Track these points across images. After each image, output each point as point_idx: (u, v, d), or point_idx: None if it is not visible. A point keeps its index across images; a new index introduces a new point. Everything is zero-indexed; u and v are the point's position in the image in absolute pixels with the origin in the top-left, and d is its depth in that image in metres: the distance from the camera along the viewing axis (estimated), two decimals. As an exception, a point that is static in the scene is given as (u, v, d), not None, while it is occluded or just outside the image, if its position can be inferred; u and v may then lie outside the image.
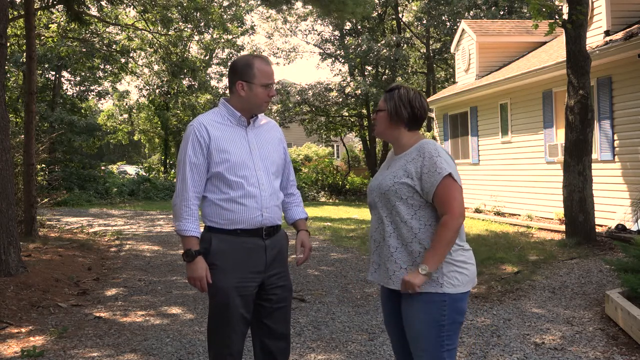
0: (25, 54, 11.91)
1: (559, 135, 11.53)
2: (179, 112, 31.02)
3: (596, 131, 10.20)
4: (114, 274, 7.90)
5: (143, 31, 22.40)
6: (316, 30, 31.52)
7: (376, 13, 25.79)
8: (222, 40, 30.55)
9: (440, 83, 27.66)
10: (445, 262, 2.60)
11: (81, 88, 28.33)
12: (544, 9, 9.15)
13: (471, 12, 24.09)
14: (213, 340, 2.98)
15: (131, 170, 31.50)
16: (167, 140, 32.27)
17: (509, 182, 13.52)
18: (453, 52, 17.40)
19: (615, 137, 10.17)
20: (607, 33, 10.59)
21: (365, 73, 25.95)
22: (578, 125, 8.77)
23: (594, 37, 10.76)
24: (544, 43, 14.80)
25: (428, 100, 16.18)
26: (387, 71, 25.49)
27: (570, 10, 8.78)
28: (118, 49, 23.37)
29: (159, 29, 21.43)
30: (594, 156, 9.50)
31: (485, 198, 14.29)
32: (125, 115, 34.58)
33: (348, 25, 26.13)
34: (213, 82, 32.25)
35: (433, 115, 17.69)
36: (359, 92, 23.44)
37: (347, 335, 4.94)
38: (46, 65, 24.02)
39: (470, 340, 4.72)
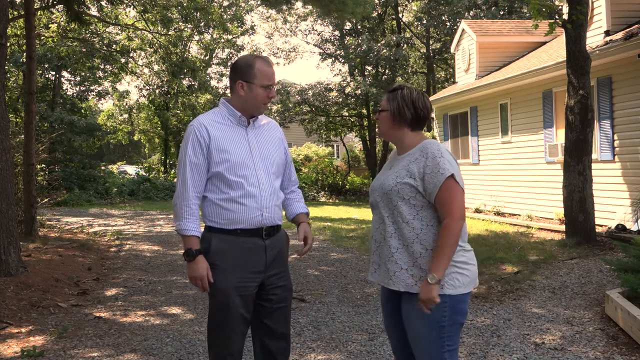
0: (25, 54, 11.91)
1: (559, 135, 11.53)
2: (179, 112, 31.02)
3: (596, 131, 10.20)
4: (114, 274, 7.90)
5: (143, 31, 22.40)
6: (316, 30, 31.56)
7: (376, 13, 25.79)
8: (222, 40, 30.56)
9: (440, 83, 27.67)
10: None
11: (81, 88, 28.33)
12: (544, 9, 9.15)
13: (471, 12, 24.10)
14: (213, 340, 2.98)
15: (131, 170, 31.49)
16: (167, 140, 32.28)
17: (509, 182, 13.52)
18: (453, 52, 17.40)
19: (615, 137, 10.17)
20: (607, 33, 10.59)
21: (365, 73, 25.96)
22: (578, 125, 8.77)
23: (594, 37, 10.76)
24: (544, 43, 14.80)
25: (428, 100, 16.15)
26: (387, 71, 25.49)
27: (570, 10, 8.78)
28: (118, 49, 23.36)
29: (159, 29, 21.43)
30: (594, 156, 9.50)
31: (485, 198, 14.30)
32: (125, 115, 34.58)
33: (348, 25, 26.13)
34: (213, 82, 32.28)
35: (433, 115, 17.69)
36: (359, 92, 23.44)
37: (347, 335, 4.94)
38: (46, 65, 24.02)
39: (470, 340, 4.72)
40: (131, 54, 25.05)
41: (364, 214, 15.88)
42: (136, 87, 37.22)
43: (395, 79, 25.12)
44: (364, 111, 25.34)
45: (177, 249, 9.77)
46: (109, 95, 31.64)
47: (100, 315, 5.69)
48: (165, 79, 30.19)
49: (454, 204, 2.57)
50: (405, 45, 25.58)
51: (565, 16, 9.21)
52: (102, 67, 26.54)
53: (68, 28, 18.36)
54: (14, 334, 5.09)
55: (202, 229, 2.98)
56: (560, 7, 12.30)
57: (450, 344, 2.64)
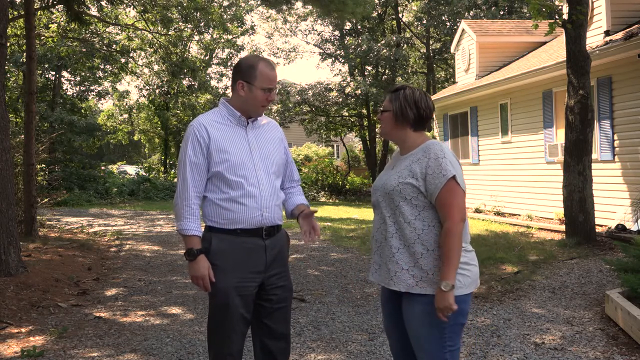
0: (25, 54, 11.91)
1: (559, 135, 11.53)
2: (179, 112, 31.02)
3: (596, 131, 10.20)
4: (114, 274, 7.90)
5: (143, 31, 22.39)
6: (316, 30, 31.54)
7: (376, 13, 25.78)
8: (222, 40, 30.55)
9: (440, 83, 27.66)
10: None
11: (81, 88, 28.32)
12: (544, 9, 9.15)
13: (471, 12, 24.09)
14: (213, 340, 2.98)
15: (131, 170, 31.49)
16: (167, 140, 32.27)
17: (509, 182, 13.52)
18: (453, 52, 17.40)
19: (615, 137, 10.17)
20: (607, 33, 10.59)
21: (365, 73, 25.95)
22: (578, 125, 8.77)
23: (594, 37, 10.76)
24: (544, 43, 14.80)
25: (428, 100, 16.15)
26: (387, 71, 25.49)
27: (570, 10, 8.78)
28: (118, 49, 23.36)
29: (159, 29, 21.42)
30: (594, 156, 9.50)
31: (485, 198, 14.29)
32: (125, 115, 34.57)
33: (348, 25, 26.13)
34: (213, 82, 32.28)
35: (433, 115, 17.68)
36: (359, 92, 23.44)
37: (347, 335, 4.94)
38: (46, 65, 24.01)
39: (470, 340, 4.72)
40: (131, 54, 25.05)
41: (364, 214, 15.88)
42: (136, 87, 37.25)
43: (395, 79, 25.12)
44: (364, 111, 25.34)
45: (177, 249, 9.77)
46: (109, 95, 31.65)
47: (100, 315, 5.69)
48: (165, 79, 30.18)
49: (454, 206, 2.57)
50: (405, 45, 25.58)
51: (565, 16, 9.21)
52: (102, 67, 26.53)
53: (68, 28, 18.36)
54: (14, 334, 5.09)
55: (203, 229, 2.98)
56: (560, 7, 12.30)
57: (451, 344, 2.64)
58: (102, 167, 27.65)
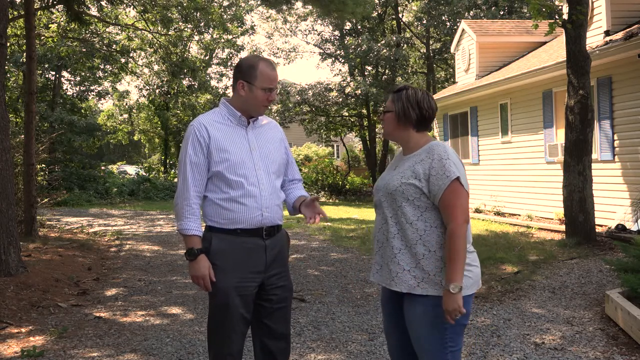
0: (25, 54, 11.91)
1: (559, 135, 11.53)
2: (179, 112, 31.02)
3: (596, 131, 10.20)
4: (114, 274, 7.90)
5: (143, 31, 22.39)
6: (316, 30, 31.54)
7: (376, 13, 25.78)
8: (222, 40, 30.55)
9: (440, 83, 27.66)
10: None
11: (81, 88, 28.32)
12: (544, 9, 9.15)
13: (471, 12, 24.09)
14: (213, 340, 2.98)
15: (131, 170, 31.48)
16: (167, 140, 32.27)
17: (509, 182, 13.52)
18: (453, 52, 17.40)
19: (615, 137, 10.17)
20: (607, 33, 10.59)
21: (365, 73, 25.95)
22: (578, 125, 8.77)
23: (594, 37, 10.76)
24: (544, 43, 14.80)
25: (428, 100, 16.15)
26: (387, 71, 25.49)
27: (570, 10, 8.78)
28: (118, 49, 23.36)
29: (159, 29, 21.42)
30: (594, 156, 9.50)
31: (485, 198, 14.29)
32: (125, 115, 34.56)
33: (348, 25, 26.13)
34: (213, 82, 32.27)
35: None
36: (359, 92, 23.44)
37: (347, 335, 4.94)
38: (46, 65, 24.00)
39: (470, 340, 4.72)
40: (131, 54, 25.04)
41: (364, 214, 15.88)
42: (136, 87, 37.23)
43: (395, 79, 25.11)
44: (364, 111, 25.35)
45: (177, 249, 9.77)
46: (109, 95, 31.63)
47: (100, 315, 5.69)
48: (165, 79, 30.18)
49: (458, 208, 2.56)
50: (405, 45, 25.58)
51: (565, 16, 9.21)
52: (102, 67, 26.52)
53: (68, 28, 18.36)
54: (14, 334, 5.09)
55: (203, 229, 2.98)
56: (560, 7, 12.30)
57: (452, 345, 2.63)
58: (102, 167, 27.65)
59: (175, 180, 25.01)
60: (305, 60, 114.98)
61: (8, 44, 11.30)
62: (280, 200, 3.04)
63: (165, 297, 6.48)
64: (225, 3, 28.16)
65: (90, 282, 7.23)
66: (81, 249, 9.50)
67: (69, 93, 27.70)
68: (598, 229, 9.20)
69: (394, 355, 2.87)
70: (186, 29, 24.79)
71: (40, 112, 22.20)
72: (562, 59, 9.88)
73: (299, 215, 3.11)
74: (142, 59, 29.12)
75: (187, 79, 29.68)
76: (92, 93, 29.32)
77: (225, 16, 27.48)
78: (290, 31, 28.71)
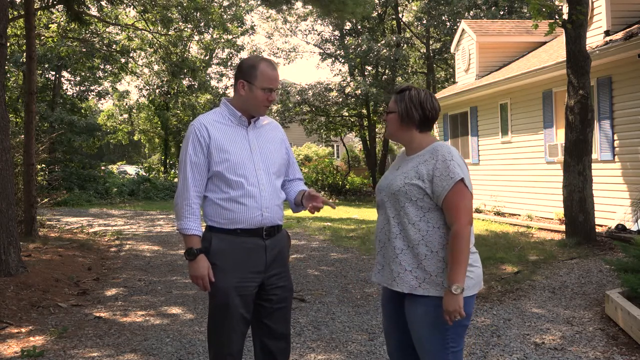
0: (25, 54, 11.90)
1: (559, 135, 11.53)
2: (179, 112, 31.02)
3: (596, 131, 10.20)
4: (114, 274, 7.90)
5: (143, 31, 22.39)
6: (316, 30, 31.56)
7: (376, 13, 25.78)
8: (222, 40, 30.55)
9: (440, 83, 27.66)
10: None
11: (81, 88, 28.32)
12: (544, 9, 9.15)
13: (471, 12, 24.09)
14: (213, 340, 2.98)
15: (131, 170, 31.49)
16: (167, 140, 32.27)
17: (509, 182, 13.52)
18: (453, 52, 17.40)
19: (615, 137, 10.17)
20: (607, 33, 10.59)
21: (365, 73, 25.96)
22: (578, 125, 8.77)
23: (594, 37, 10.76)
24: (544, 43, 14.80)
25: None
26: (387, 71, 25.49)
27: (570, 10, 8.78)
28: (118, 49, 23.35)
29: (159, 29, 21.42)
30: (594, 156, 9.50)
31: (485, 198, 14.29)
32: (125, 115, 34.57)
33: (348, 25, 26.13)
34: (213, 82, 32.27)
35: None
36: (359, 92, 23.44)
37: (347, 335, 4.94)
38: (46, 65, 24.01)
39: (470, 340, 4.72)
40: (131, 54, 25.03)
41: (364, 214, 15.88)
42: (136, 87, 37.20)
43: (395, 79, 25.12)
44: (364, 111, 25.35)
45: (177, 249, 9.77)
46: (109, 95, 31.64)
47: (100, 315, 5.69)
48: (165, 79, 30.18)
49: (462, 209, 2.56)
50: (405, 45, 25.58)
51: (565, 16, 9.21)
52: (102, 67, 26.52)
53: (68, 28, 18.36)
54: (14, 334, 5.09)
55: (203, 229, 2.98)
56: (560, 7, 12.31)
57: (454, 345, 2.63)
58: (102, 167, 27.65)
59: (176, 180, 24.99)
60: (305, 60, 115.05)
61: (8, 44, 11.31)
62: (281, 201, 3.04)
63: (165, 297, 6.48)
64: (225, 3, 28.17)
65: (90, 282, 7.23)
66: (81, 249, 9.50)
67: (69, 93, 27.70)
68: (598, 229, 9.20)
69: (393, 356, 2.86)
70: (186, 29, 24.79)
71: (40, 112, 22.20)
72: (562, 59, 9.88)
73: (302, 212, 3.11)
74: (142, 59, 29.13)
75: (187, 79, 29.68)
76: (92, 93, 29.32)
77: (225, 16, 27.49)
78: (290, 31, 28.73)
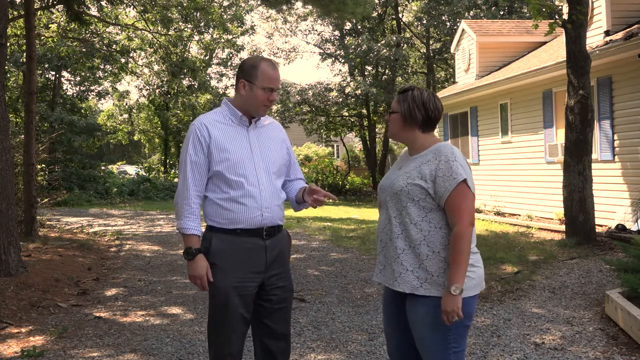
0: (25, 54, 11.91)
1: (559, 135, 11.53)
2: (179, 112, 31.01)
3: (596, 131, 10.20)
4: (114, 274, 7.90)
5: (143, 31, 22.39)
6: (316, 30, 31.62)
7: (376, 13, 25.79)
8: (222, 40, 30.55)
9: (440, 83, 27.66)
10: None
11: (81, 88, 28.31)
12: (544, 9, 9.15)
13: (471, 12, 24.10)
14: (213, 340, 2.98)
15: (131, 170, 31.48)
16: (167, 140, 32.27)
17: (509, 182, 13.52)
18: (453, 52, 17.40)
19: (615, 137, 10.17)
20: (607, 33, 10.59)
21: (365, 73, 25.96)
22: (578, 125, 8.77)
23: (594, 37, 10.76)
24: (544, 43, 14.80)
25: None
26: (387, 71, 25.49)
27: (570, 10, 8.78)
28: (118, 49, 23.35)
29: (159, 29, 21.42)
30: (594, 156, 9.50)
31: (485, 198, 14.29)
32: (125, 115, 34.57)
33: (348, 25, 26.13)
34: (213, 82, 32.26)
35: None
36: (359, 92, 23.45)
37: (347, 335, 4.94)
38: (46, 65, 24.01)
39: (470, 340, 4.72)
40: (131, 54, 25.03)
41: (364, 214, 15.88)
42: (136, 87, 37.22)
43: (395, 79, 25.13)
44: (364, 111, 25.35)
45: (177, 249, 9.77)
46: (109, 95, 31.63)
47: (100, 315, 5.69)
48: (165, 79, 30.18)
49: (464, 210, 2.56)
50: (405, 45, 25.59)
51: (565, 16, 9.21)
52: (102, 67, 26.52)
53: (68, 28, 18.35)
54: (14, 334, 5.09)
55: (204, 229, 2.98)
56: (560, 7, 12.31)
57: (456, 346, 2.63)
58: (102, 167, 27.65)
59: (176, 180, 25.00)
60: (305, 60, 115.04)
61: (8, 44, 11.30)
62: (281, 201, 3.04)
63: (165, 297, 6.48)
64: (225, 3, 28.16)
65: (90, 282, 7.23)
66: (81, 249, 9.50)
67: (69, 93, 27.70)
68: (598, 229, 9.20)
69: (393, 356, 2.86)
70: (186, 29, 24.78)
71: (40, 112, 22.20)
72: (562, 59, 9.88)
73: (302, 212, 3.11)
74: (142, 59, 29.12)
75: (187, 79, 29.67)
76: (92, 93, 29.32)
77: (225, 16, 27.48)
78: (290, 31, 28.75)
